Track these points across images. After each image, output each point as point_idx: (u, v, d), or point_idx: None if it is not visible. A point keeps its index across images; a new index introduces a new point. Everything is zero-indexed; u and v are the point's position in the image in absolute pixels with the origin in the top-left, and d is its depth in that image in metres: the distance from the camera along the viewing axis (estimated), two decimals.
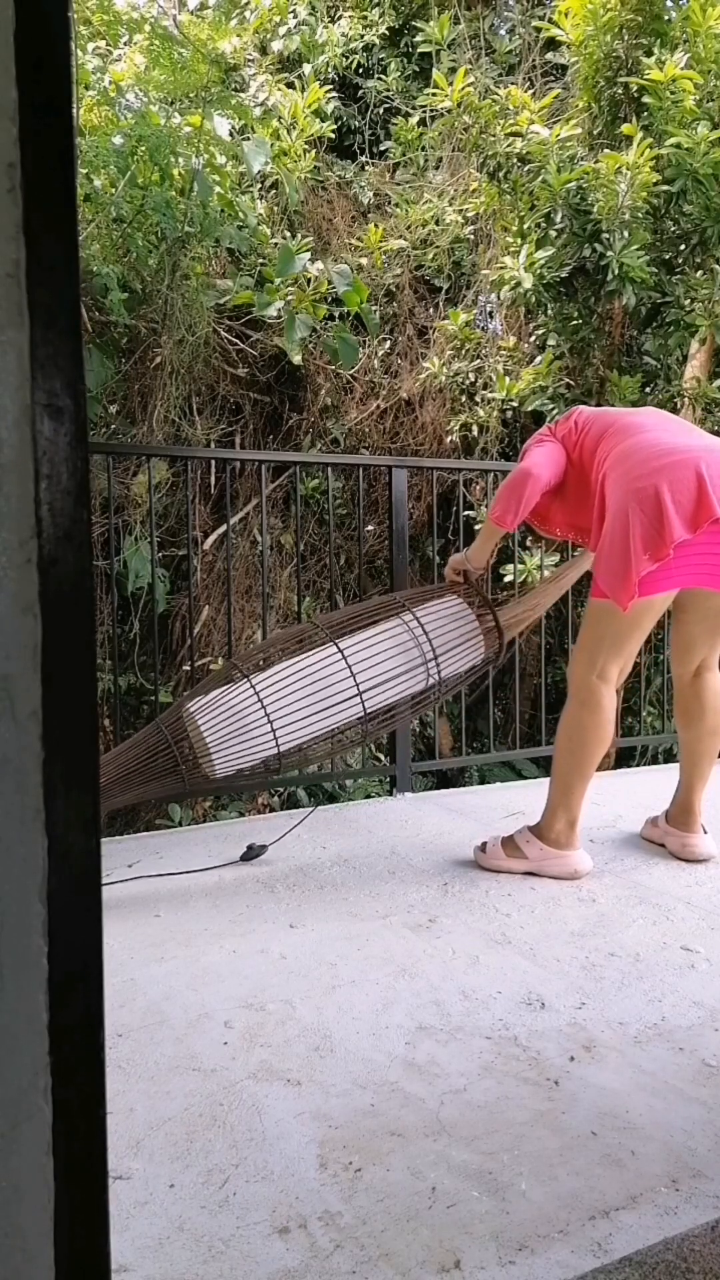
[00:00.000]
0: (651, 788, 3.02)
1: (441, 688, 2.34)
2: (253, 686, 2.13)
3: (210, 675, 2.40)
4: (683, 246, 4.26)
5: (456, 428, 4.96)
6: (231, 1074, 1.34)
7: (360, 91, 5.71)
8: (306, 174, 5.04)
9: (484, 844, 2.22)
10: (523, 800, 2.75)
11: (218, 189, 4.31)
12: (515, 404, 4.75)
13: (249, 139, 4.58)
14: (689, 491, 1.94)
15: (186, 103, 4.72)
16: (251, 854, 2.24)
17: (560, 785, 2.14)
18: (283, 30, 5.28)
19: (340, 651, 2.19)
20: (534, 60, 5.40)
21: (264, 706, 2.11)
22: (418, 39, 4.81)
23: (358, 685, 2.18)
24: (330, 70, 5.52)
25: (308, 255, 4.50)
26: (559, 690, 4.60)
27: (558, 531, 2.39)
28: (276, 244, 4.67)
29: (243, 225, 4.60)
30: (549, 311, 4.51)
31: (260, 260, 4.72)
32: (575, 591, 4.53)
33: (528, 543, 4.33)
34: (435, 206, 5.22)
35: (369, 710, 2.21)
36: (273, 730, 2.10)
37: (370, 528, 5.02)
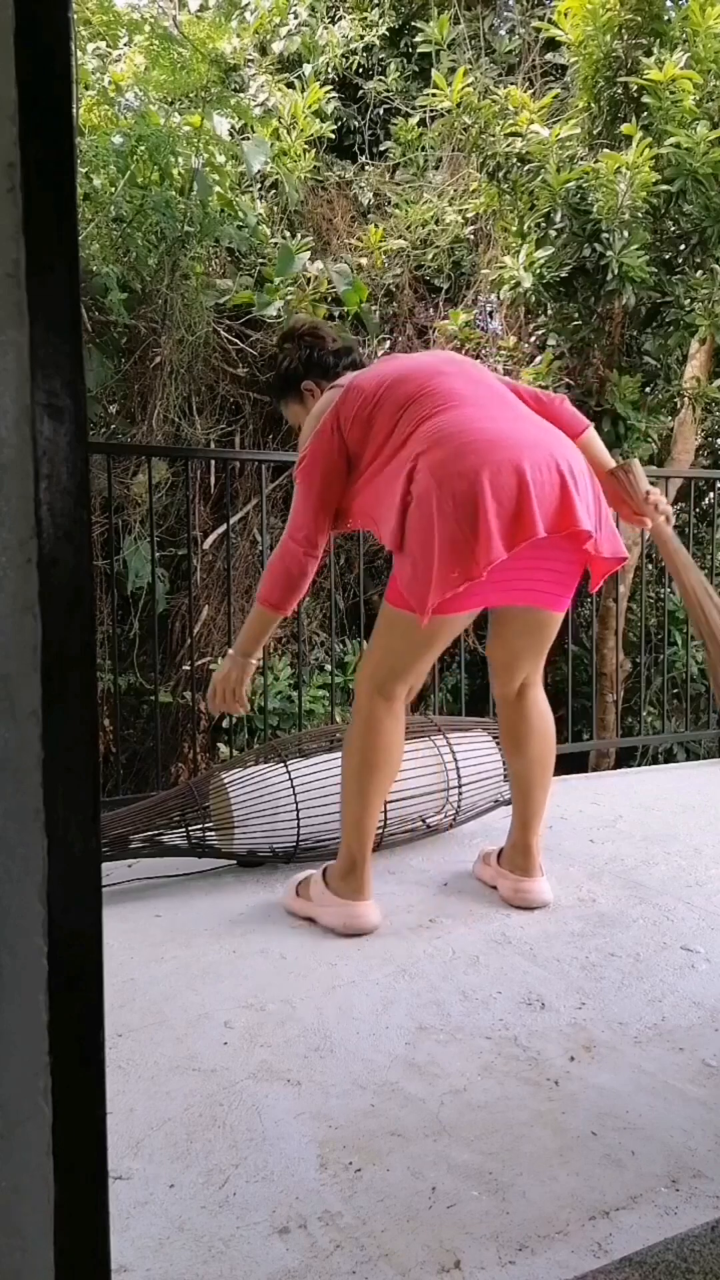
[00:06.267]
0: (651, 788, 3.02)
1: (457, 816, 2.37)
2: (288, 772, 2.16)
3: (250, 751, 2.41)
4: (683, 246, 4.26)
5: None
6: (231, 1074, 1.34)
7: (360, 92, 5.71)
8: (306, 174, 5.04)
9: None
10: None
11: (217, 189, 4.32)
12: None
13: (249, 139, 4.59)
14: (509, 500, 1.64)
15: (186, 103, 4.72)
16: (252, 860, 2.24)
17: (345, 814, 1.88)
18: (283, 32, 5.28)
19: None
20: (534, 60, 5.40)
21: (295, 794, 2.13)
22: (417, 39, 4.80)
23: (385, 798, 2.20)
24: (330, 71, 5.53)
25: (307, 255, 4.50)
26: (558, 690, 4.60)
27: (352, 524, 1.98)
28: (276, 244, 4.68)
29: (243, 225, 4.60)
30: (549, 311, 4.51)
31: (260, 260, 4.72)
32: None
33: None
34: (435, 206, 5.22)
35: (388, 821, 2.23)
36: (297, 818, 2.13)
37: None
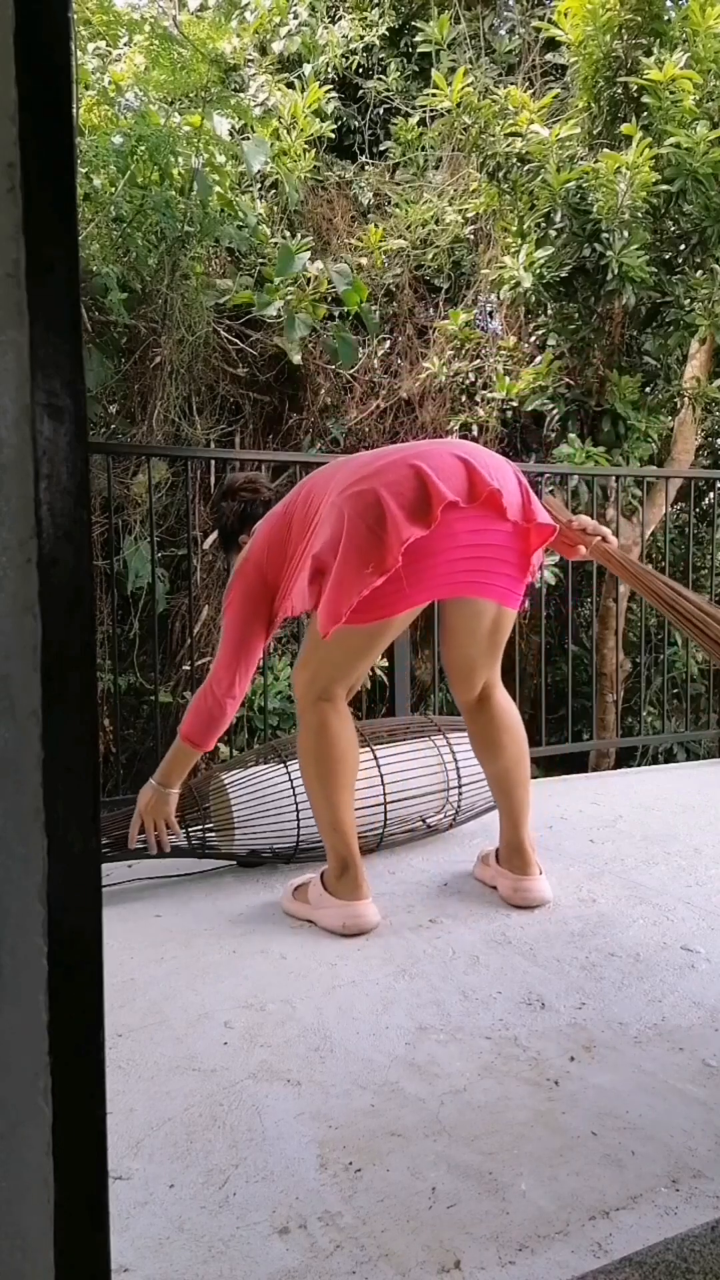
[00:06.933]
0: (651, 788, 3.02)
1: (457, 816, 2.36)
2: (288, 772, 2.15)
3: (250, 751, 2.40)
4: (683, 246, 4.27)
5: (456, 428, 4.97)
6: (231, 1074, 1.34)
7: (360, 91, 5.72)
8: (306, 174, 5.05)
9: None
10: None
11: (217, 189, 4.32)
12: (515, 404, 4.75)
13: (249, 139, 4.59)
14: (409, 486, 1.67)
15: (186, 103, 4.72)
16: (252, 860, 2.24)
17: (319, 820, 1.89)
18: (283, 32, 5.29)
19: (376, 759, 2.22)
20: (534, 60, 5.41)
21: (295, 794, 2.12)
22: (418, 39, 4.81)
23: (384, 795, 2.20)
24: (330, 70, 5.53)
25: (307, 255, 4.50)
26: (559, 691, 4.60)
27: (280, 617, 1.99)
28: (276, 244, 4.68)
29: (243, 225, 4.60)
30: (549, 311, 4.51)
31: (260, 260, 4.73)
32: (575, 591, 4.53)
33: None
34: (435, 206, 5.22)
35: (389, 821, 2.23)
36: (298, 818, 2.13)
37: None
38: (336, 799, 1.84)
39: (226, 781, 2.16)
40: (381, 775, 2.21)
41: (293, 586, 1.85)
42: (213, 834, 2.15)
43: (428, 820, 2.32)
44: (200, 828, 2.12)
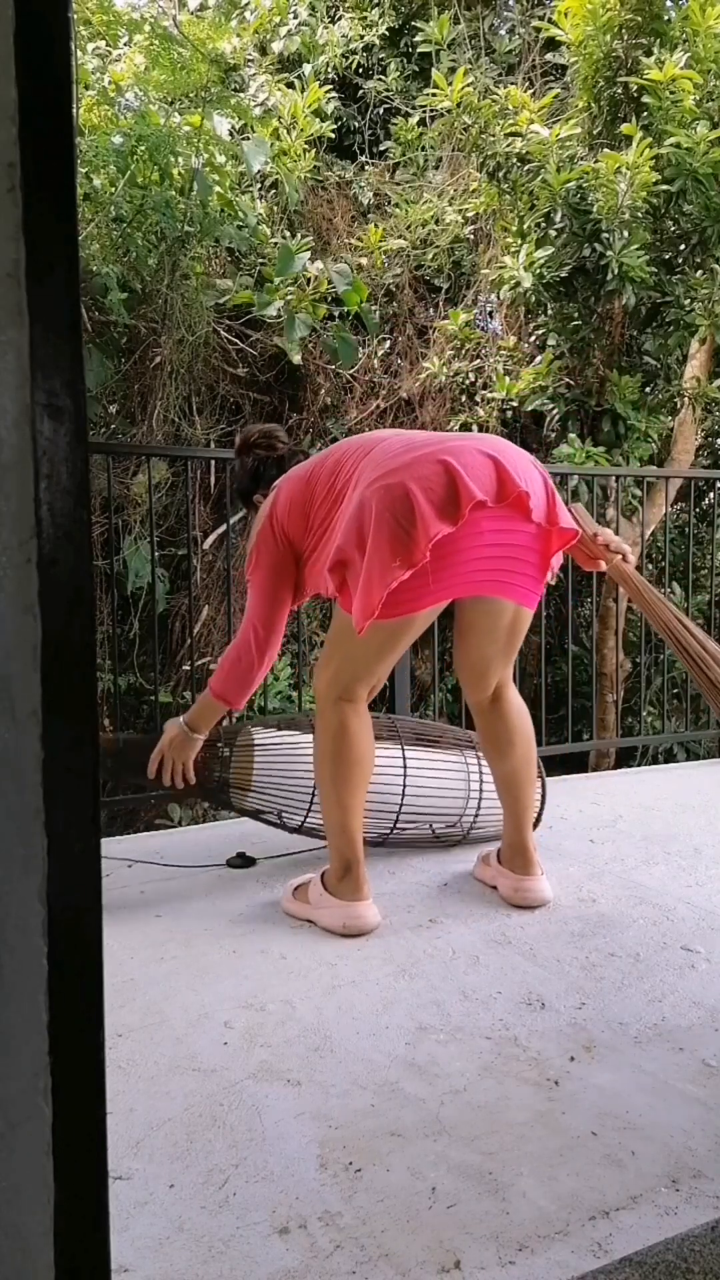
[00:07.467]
0: (651, 788, 3.02)
1: (467, 836, 2.33)
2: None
3: (285, 716, 2.36)
4: (683, 246, 4.27)
5: (456, 428, 4.97)
6: (231, 1074, 1.34)
7: (360, 91, 5.72)
8: (306, 174, 5.05)
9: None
10: None
11: (217, 189, 4.32)
12: (515, 404, 4.75)
13: (249, 139, 4.59)
14: (438, 482, 1.66)
15: (186, 103, 4.72)
16: (241, 862, 2.23)
17: (327, 821, 1.88)
18: (283, 31, 5.29)
19: (404, 760, 2.19)
20: (534, 60, 5.41)
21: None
22: (418, 39, 4.81)
23: (402, 799, 2.18)
24: (330, 70, 5.53)
25: (307, 255, 4.50)
26: (559, 691, 4.60)
27: (308, 592, 1.99)
28: (276, 244, 4.68)
29: (243, 225, 4.60)
30: (549, 311, 4.51)
31: (260, 260, 4.73)
32: (575, 591, 4.54)
33: None
34: (435, 206, 5.22)
35: (398, 826, 2.22)
36: (311, 797, 2.11)
37: None
38: (348, 802, 1.84)
39: (257, 741, 2.14)
40: (405, 780, 2.18)
41: (318, 562, 1.84)
42: (233, 789, 2.12)
43: (437, 831, 2.30)
44: (219, 775, 2.09)
